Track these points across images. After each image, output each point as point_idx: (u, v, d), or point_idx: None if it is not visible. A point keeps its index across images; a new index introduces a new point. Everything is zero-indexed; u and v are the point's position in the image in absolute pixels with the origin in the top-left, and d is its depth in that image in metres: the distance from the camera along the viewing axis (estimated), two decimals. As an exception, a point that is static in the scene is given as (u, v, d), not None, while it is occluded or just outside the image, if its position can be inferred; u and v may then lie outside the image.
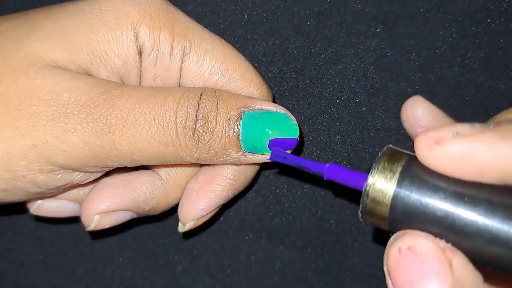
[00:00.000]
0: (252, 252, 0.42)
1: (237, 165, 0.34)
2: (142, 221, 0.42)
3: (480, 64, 0.38)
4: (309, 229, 0.42)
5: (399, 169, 0.25)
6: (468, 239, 0.24)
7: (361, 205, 0.26)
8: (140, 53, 0.32)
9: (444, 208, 0.24)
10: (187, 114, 0.30)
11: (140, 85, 0.33)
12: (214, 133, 0.31)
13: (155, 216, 0.41)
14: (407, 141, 0.34)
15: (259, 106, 0.32)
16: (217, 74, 0.33)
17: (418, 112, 0.31)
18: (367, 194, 0.25)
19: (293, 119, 0.32)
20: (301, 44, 0.39)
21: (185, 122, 0.30)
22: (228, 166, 0.34)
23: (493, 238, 0.23)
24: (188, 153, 0.31)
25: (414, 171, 0.25)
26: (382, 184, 0.25)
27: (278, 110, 0.32)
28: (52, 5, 0.32)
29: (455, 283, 0.23)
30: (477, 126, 0.24)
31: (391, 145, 0.26)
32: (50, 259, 0.43)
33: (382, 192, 0.25)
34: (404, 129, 0.33)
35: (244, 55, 0.35)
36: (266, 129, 0.31)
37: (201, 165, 0.36)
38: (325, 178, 0.28)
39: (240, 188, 0.35)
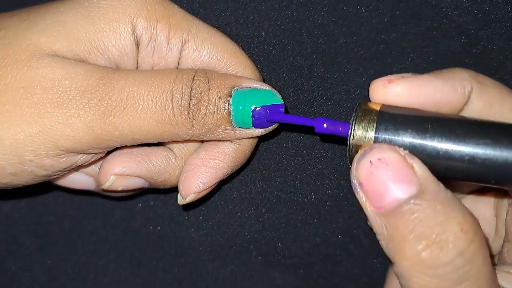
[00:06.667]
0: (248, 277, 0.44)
1: (228, 140, 0.36)
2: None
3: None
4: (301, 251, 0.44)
5: (375, 116, 0.29)
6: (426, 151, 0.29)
7: (347, 151, 0.30)
8: (138, 45, 0.34)
9: (410, 139, 0.29)
10: (182, 94, 0.33)
11: None
12: (207, 111, 0.33)
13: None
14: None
15: (247, 84, 0.35)
16: (216, 59, 0.36)
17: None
18: (352, 141, 0.30)
19: (278, 95, 0.35)
20: (294, 82, 0.41)
21: (181, 102, 0.33)
22: (229, 144, 0.37)
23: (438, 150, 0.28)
24: (183, 130, 0.33)
25: (387, 115, 0.29)
26: (362, 131, 0.29)
27: (264, 88, 0.35)
28: (53, 1, 0.34)
29: (420, 181, 0.28)
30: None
31: (362, 101, 0.31)
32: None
33: (363, 137, 0.29)
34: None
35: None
36: (254, 105, 0.34)
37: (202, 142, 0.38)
38: (316, 130, 0.32)
39: (239, 165, 0.38)
